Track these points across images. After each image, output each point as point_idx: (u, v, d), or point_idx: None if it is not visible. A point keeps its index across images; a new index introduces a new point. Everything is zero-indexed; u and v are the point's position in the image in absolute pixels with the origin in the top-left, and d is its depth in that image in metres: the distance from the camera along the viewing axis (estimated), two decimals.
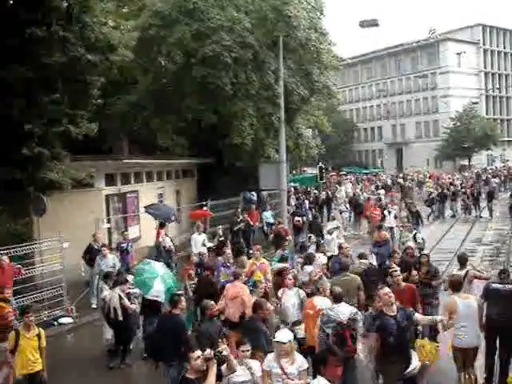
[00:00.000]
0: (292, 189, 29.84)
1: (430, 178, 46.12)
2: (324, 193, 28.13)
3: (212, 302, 7.01)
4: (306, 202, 25.41)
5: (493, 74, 76.50)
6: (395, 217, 18.17)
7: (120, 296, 9.16)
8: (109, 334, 9.46)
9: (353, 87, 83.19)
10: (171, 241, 15.84)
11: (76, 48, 11.89)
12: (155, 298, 9.09)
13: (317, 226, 19.18)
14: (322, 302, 7.34)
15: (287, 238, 17.21)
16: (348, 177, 54.84)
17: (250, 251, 18.57)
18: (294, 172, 48.74)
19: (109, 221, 16.00)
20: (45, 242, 12.17)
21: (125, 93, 23.05)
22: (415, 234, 14.45)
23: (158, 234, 16.17)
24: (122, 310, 9.08)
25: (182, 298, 7.88)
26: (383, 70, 78.82)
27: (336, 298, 6.97)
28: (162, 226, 16.35)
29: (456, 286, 7.53)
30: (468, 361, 7.22)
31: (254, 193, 23.72)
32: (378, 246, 13.43)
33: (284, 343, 5.57)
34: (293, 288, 8.12)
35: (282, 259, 10.73)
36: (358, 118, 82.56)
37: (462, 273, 8.71)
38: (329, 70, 25.11)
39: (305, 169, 52.24)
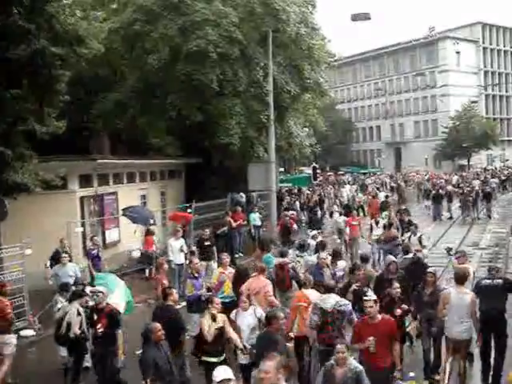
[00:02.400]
0: (283, 190, 28.94)
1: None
2: (317, 193, 27.28)
3: (157, 325, 6.06)
4: (297, 203, 24.52)
5: (492, 73, 75.64)
6: (384, 227, 15.45)
7: (78, 311, 8.35)
8: (64, 350, 8.61)
9: (351, 86, 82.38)
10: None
11: (39, 40, 10.99)
12: (114, 305, 8.41)
13: (316, 221, 20.11)
14: (310, 294, 7.94)
15: (293, 228, 18.38)
16: (345, 177, 54.08)
17: (236, 255, 17.84)
18: (291, 172, 48.09)
19: (83, 224, 15.11)
20: (5, 248, 11.31)
21: (112, 91, 22.28)
22: (421, 236, 13.32)
23: (148, 241, 15.45)
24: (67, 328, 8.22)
25: (174, 290, 7.86)
26: (382, 68, 77.98)
27: (327, 290, 7.62)
28: (149, 232, 15.56)
29: (459, 279, 7.65)
30: (458, 352, 7.47)
31: (242, 194, 22.95)
32: (385, 243, 13.81)
33: (229, 381, 4.68)
34: (248, 308, 7.26)
35: (282, 254, 10.64)
36: (357, 118, 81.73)
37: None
38: (321, 66, 24.23)
39: (302, 168, 51.62)
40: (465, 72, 70.36)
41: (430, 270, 8.14)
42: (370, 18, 18.87)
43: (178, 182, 23.28)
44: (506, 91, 77.57)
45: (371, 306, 6.48)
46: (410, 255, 10.59)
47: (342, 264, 10.28)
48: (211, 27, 19.65)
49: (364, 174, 61.02)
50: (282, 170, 43.94)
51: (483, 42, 74.55)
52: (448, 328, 7.51)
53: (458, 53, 70.30)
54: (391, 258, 9.02)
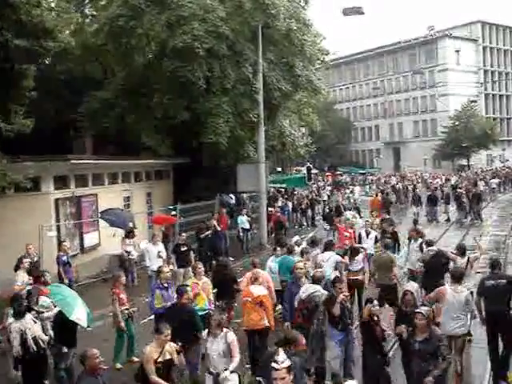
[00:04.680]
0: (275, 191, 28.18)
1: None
2: (310, 195, 26.53)
3: (95, 351, 5.28)
4: (289, 203, 23.77)
5: (492, 72, 74.76)
6: (376, 239, 13.29)
7: (34, 321, 7.72)
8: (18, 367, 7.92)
9: (350, 85, 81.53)
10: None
11: (2, 32, 10.28)
12: (77, 321, 7.72)
13: (331, 217, 20.27)
14: (256, 289, 8.13)
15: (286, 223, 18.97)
16: (343, 177, 53.36)
17: (220, 259, 17.08)
18: (287, 172, 47.40)
19: (58, 228, 14.34)
20: None
21: (101, 90, 21.58)
22: (421, 244, 11.41)
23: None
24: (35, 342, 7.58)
25: (189, 288, 7.85)
26: (380, 67, 77.09)
27: (314, 280, 8.12)
28: (128, 234, 14.79)
29: (456, 277, 7.82)
30: (455, 348, 7.50)
31: (232, 195, 22.24)
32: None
33: None
34: (220, 334, 6.41)
35: (302, 254, 10.72)
36: (355, 117, 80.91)
37: (464, 261, 9.56)
38: (313, 63, 23.48)
39: (300, 168, 50.96)
40: (464, 71, 69.47)
41: (419, 310, 6.53)
42: (363, 13, 18.14)
43: (165, 183, 22.53)
44: (506, 90, 76.73)
45: (282, 378, 4.29)
46: (434, 248, 10.54)
47: (360, 257, 10.93)
48: (198, 22, 18.94)
49: (363, 174, 60.32)
50: (280, 169, 43.32)
51: (483, 41, 73.66)
52: (443, 324, 7.54)
53: (457, 52, 69.47)
54: (411, 285, 8.02)
